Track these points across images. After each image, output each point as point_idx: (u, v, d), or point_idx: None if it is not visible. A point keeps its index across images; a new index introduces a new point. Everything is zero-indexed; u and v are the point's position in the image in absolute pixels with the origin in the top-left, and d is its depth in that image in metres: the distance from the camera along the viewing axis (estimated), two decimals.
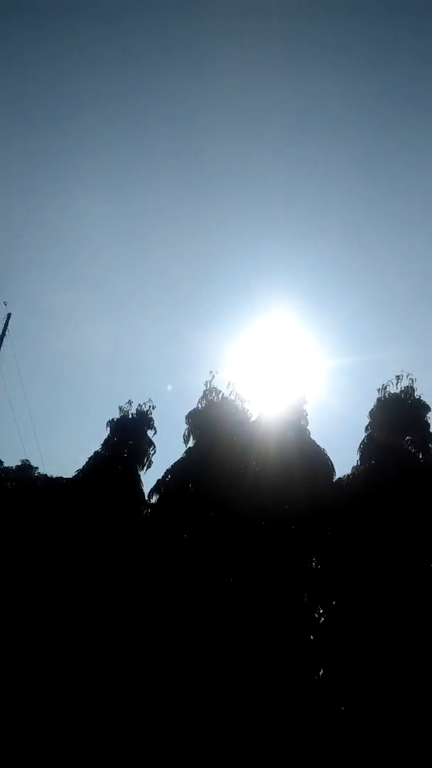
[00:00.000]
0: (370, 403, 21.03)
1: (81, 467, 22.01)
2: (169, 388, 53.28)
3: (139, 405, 24.06)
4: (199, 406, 22.81)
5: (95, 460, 21.90)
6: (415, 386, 21.26)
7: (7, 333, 27.50)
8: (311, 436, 20.91)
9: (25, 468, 24.15)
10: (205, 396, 22.98)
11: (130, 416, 23.84)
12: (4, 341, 27.32)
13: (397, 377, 21.00)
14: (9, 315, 27.89)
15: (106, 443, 22.71)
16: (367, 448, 19.66)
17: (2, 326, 27.44)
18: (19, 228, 61.20)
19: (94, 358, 62.03)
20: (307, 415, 21.67)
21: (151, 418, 23.92)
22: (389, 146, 65.18)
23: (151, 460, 23.34)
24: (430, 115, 64.15)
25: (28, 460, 24.24)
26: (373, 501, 18.59)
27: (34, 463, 24.12)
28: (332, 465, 20.17)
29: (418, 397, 21.05)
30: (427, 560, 18.11)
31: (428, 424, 20.61)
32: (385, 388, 21.10)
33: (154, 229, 65.41)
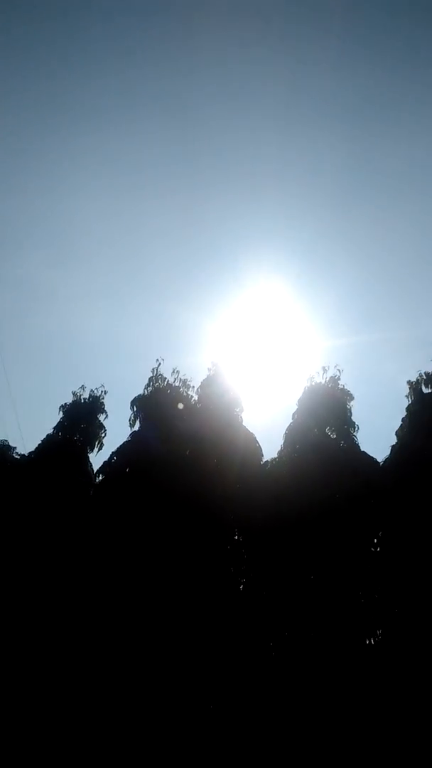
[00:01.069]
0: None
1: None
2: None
3: (92, 390, 25.82)
4: (145, 392, 24.54)
5: (46, 443, 23.72)
6: (340, 376, 22.96)
7: None
8: (243, 422, 22.71)
9: (2, 448, 25.49)
10: (150, 382, 24.70)
11: (83, 401, 25.61)
12: None
13: (323, 368, 22.71)
14: None
15: (58, 426, 24.52)
16: (291, 434, 21.46)
17: None
18: (7, 202, 61.58)
19: (80, 337, 63.03)
20: (242, 400, 23.47)
21: (103, 402, 25.69)
22: (383, 116, 65.05)
23: (102, 443, 25.21)
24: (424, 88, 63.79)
25: (6, 441, 25.54)
26: (295, 484, 20.49)
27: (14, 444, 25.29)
28: (261, 449, 22.02)
29: (341, 386, 22.78)
30: (347, 541, 19.87)
31: (350, 412, 22.40)
32: (312, 378, 22.77)
33: (141, 202, 65.73)
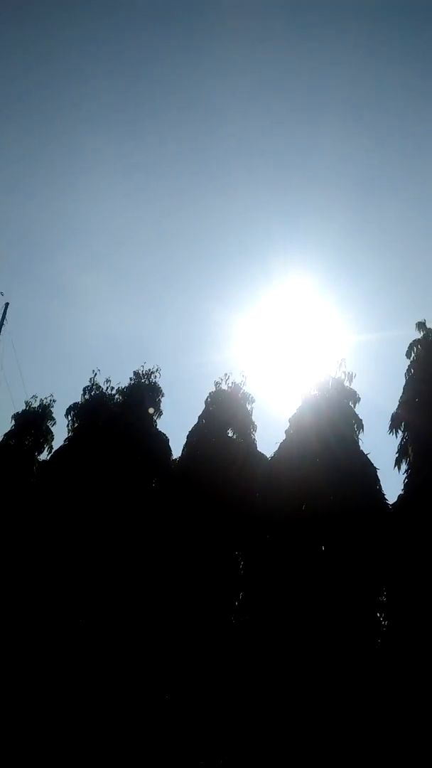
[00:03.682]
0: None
1: None
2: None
3: (42, 399, 29.34)
4: (81, 401, 27.75)
5: None
6: (244, 382, 25.25)
7: (5, 322, 29.38)
8: (157, 425, 25.52)
9: None
10: (86, 391, 27.85)
11: (33, 410, 29.18)
12: (2, 329, 29.24)
13: (226, 374, 25.07)
14: (7, 304, 30.04)
15: (9, 434, 28.21)
16: (193, 435, 24.08)
17: (0, 315, 29.24)
18: (31, 211, 65.14)
19: (104, 339, 65.86)
20: (160, 399, 26.23)
21: (51, 410, 29.18)
22: (406, 117, 64.05)
23: (51, 446, 28.74)
24: None
25: None
26: (194, 485, 23.09)
27: None
28: (170, 449, 24.81)
29: (245, 391, 25.07)
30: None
31: (250, 414, 24.69)
32: (218, 384, 25.19)
33: (172, 204, 67.63)
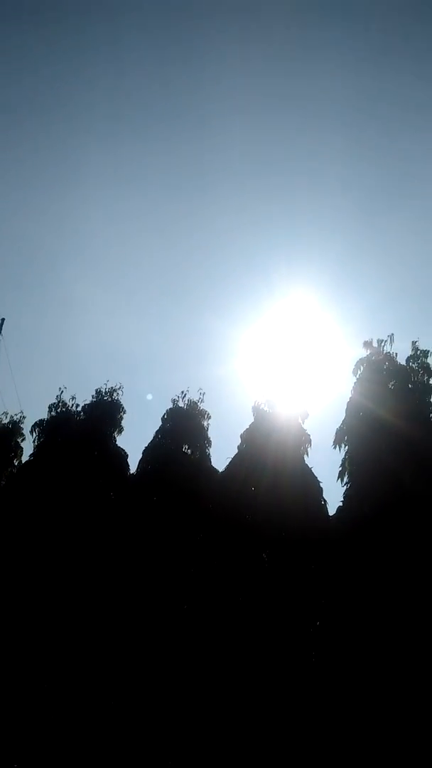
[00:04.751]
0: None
1: None
2: (149, 397, 52.69)
3: (11, 416, 30.43)
4: (47, 417, 28.82)
5: None
6: (201, 399, 26.32)
7: (0, 338, 30.41)
8: (116, 442, 26.55)
9: None
10: (52, 408, 28.93)
11: (3, 426, 30.27)
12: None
13: (183, 392, 26.18)
14: (2, 320, 30.93)
15: None
16: (148, 451, 25.12)
17: None
18: (30, 220, 65.86)
19: (103, 352, 66.52)
20: (121, 416, 27.28)
21: (21, 426, 30.26)
22: (412, 127, 65.20)
23: (21, 461, 29.75)
24: None
25: None
26: (148, 497, 24.07)
27: None
28: (127, 464, 25.83)
29: (201, 408, 26.15)
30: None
31: (205, 430, 25.74)
32: (175, 401, 26.27)
33: (172, 216, 68.19)
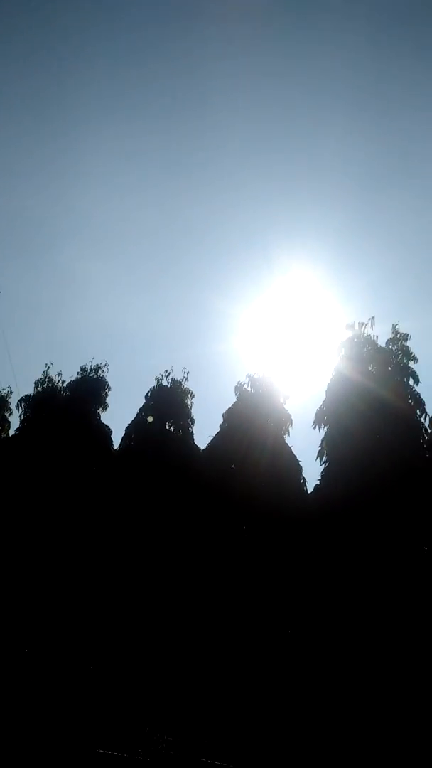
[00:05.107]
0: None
1: None
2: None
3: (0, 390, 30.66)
4: (33, 393, 29.06)
5: None
6: (185, 378, 26.65)
7: None
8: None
9: None
10: (38, 384, 29.14)
11: None
12: None
13: (166, 371, 26.47)
14: None
15: None
16: (131, 428, 25.49)
17: None
18: (30, 197, 64.76)
19: (99, 327, 65.68)
20: (105, 393, 27.57)
21: (9, 401, 30.50)
22: (415, 99, 64.25)
23: (8, 434, 30.07)
24: None
25: None
26: (131, 473, 24.52)
27: None
28: (111, 440, 26.23)
29: (185, 387, 26.48)
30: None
31: (188, 408, 26.12)
32: (159, 380, 26.58)
33: (173, 192, 67.12)
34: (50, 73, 65.29)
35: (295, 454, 24.28)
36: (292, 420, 24.91)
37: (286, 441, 24.45)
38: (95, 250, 68.43)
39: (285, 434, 24.76)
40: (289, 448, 23.98)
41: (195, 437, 26.42)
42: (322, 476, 22.12)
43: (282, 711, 18.41)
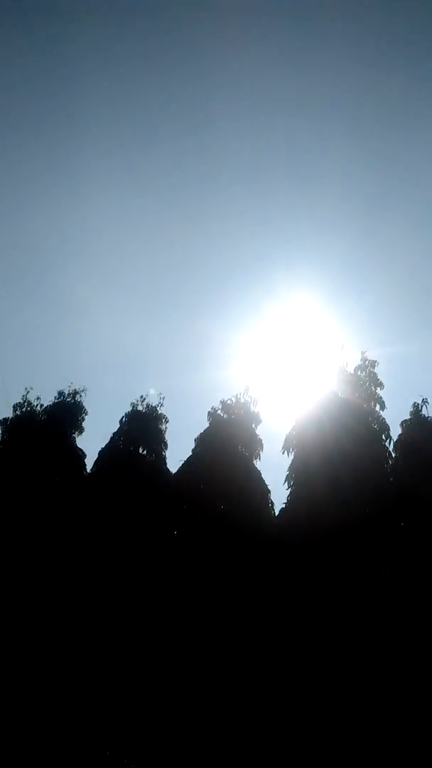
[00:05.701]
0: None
1: None
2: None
3: None
4: (12, 416, 29.47)
5: None
6: (161, 403, 27.12)
7: None
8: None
9: None
10: (17, 407, 29.56)
11: None
12: None
13: (142, 396, 26.95)
14: None
15: None
16: (104, 452, 25.83)
17: None
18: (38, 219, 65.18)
19: (98, 352, 65.69)
20: (82, 417, 27.97)
21: None
22: (412, 128, 65.69)
23: None
24: None
25: None
26: (102, 497, 24.76)
27: None
28: (84, 464, 26.51)
29: (160, 413, 26.93)
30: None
31: (162, 433, 26.51)
32: (135, 405, 27.04)
33: (169, 219, 67.69)
34: (49, 93, 66.52)
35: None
36: (263, 445, 25.31)
37: (256, 465, 24.82)
38: (94, 274, 69.23)
39: (256, 459, 25.13)
40: (258, 473, 24.33)
41: (172, 462, 26.74)
42: (288, 500, 22.37)
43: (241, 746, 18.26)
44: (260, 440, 25.35)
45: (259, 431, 26.03)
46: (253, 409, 26.22)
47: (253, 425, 25.69)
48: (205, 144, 68.83)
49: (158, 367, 65.63)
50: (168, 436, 26.81)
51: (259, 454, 25.41)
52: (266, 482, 24.23)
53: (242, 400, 26.37)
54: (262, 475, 24.55)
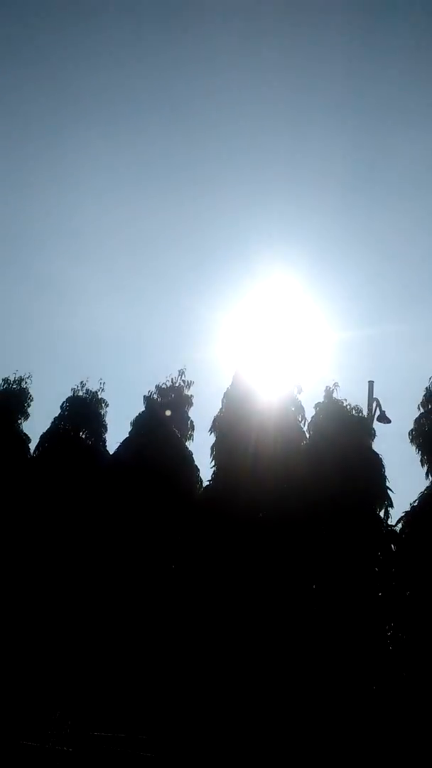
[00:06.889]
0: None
1: None
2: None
3: None
4: None
5: None
6: (101, 389, 28.57)
7: None
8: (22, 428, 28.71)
9: None
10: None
11: None
12: None
13: (81, 382, 28.39)
14: None
15: None
16: (44, 437, 27.34)
17: None
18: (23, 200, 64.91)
19: (95, 333, 65.06)
20: (28, 404, 29.34)
21: None
22: (395, 106, 65.74)
23: None
24: None
25: None
26: (43, 482, 26.29)
27: None
28: (27, 449, 27.97)
29: (100, 397, 28.41)
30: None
31: (101, 417, 28.03)
32: (75, 391, 28.49)
33: (152, 198, 66.78)
34: (46, 81, 66.12)
35: None
36: (194, 426, 26.95)
37: (188, 446, 26.50)
38: (72, 252, 68.64)
39: (189, 440, 26.81)
40: (190, 453, 25.99)
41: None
42: (210, 478, 24.03)
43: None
44: (192, 422, 26.93)
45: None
46: (186, 392, 27.73)
47: (186, 408, 27.24)
48: (189, 129, 68.73)
49: (134, 349, 66.19)
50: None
51: (192, 436, 27.03)
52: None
53: (177, 384, 27.85)
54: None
